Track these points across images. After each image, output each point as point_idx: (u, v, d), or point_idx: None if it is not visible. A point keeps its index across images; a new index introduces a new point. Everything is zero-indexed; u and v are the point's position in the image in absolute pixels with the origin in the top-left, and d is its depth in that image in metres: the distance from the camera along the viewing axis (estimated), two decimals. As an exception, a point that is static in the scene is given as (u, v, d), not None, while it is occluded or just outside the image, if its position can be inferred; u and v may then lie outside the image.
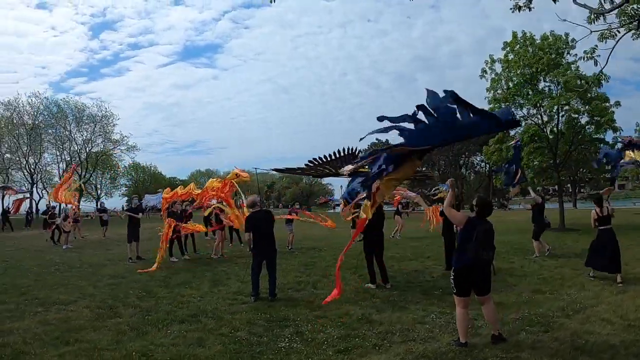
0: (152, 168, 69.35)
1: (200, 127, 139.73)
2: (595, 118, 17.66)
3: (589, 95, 17.69)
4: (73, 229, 20.00)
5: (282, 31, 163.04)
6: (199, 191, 12.41)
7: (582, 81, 17.66)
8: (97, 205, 33.82)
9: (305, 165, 7.65)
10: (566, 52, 18.11)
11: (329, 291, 7.24)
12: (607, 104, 18.11)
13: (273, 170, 11.64)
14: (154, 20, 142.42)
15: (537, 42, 18.06)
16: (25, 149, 43.41)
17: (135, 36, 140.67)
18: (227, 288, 8.11)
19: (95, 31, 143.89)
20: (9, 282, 9.36)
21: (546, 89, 18.48)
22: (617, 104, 18.73)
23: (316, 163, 7.64)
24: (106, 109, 49.60)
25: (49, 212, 18.25)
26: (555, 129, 18.52)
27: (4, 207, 31.00)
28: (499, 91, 18.62)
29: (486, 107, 19.05)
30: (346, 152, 7.84)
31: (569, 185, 42.70)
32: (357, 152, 7.98)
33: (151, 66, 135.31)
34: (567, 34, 18.18)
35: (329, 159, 7.66)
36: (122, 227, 15.52)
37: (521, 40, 18.23)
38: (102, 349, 5.03)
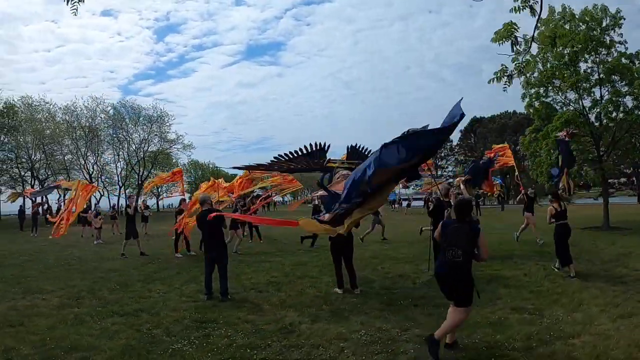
0: (212, 165, 71.86)
1: (266, 124, 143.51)
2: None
3: (631, 75, 15.48)
4: (111, 225, 21.17)
5: (342, 26, 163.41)
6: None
7: (628, 60, 15.61)
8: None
9: (271, 161, 7.41)
10: (612, 30, 15.98)
11: (291, 294, 7.35)
12: None
13: (234, 167, 11.36)
14: (217, 22, 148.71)
15: (578, 16, 16.04)
16: (84, 150, 46.40)
17: (200, 37, 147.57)
18: (198, 286, 7.95)
19: (160, 35, 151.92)
20: (17, 273, 10.07)
21: (588, 70, 16.39)
22: None
23: (284, 159, 7.34)
24: (161, 109, 52.09)
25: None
26: (599, 115, 16.32)
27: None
28: (535, 73, 16.75)
29: (520, 91, 17.59)
30: (316, 148, 7.46)
31: (634, 178, 38.64)
32: (327, 147, 7.55)
33: (216, 66, 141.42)
34: (618, 10, 16.02)
35: (297, 154, 7.37)
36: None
37: (558, 16, 16.32)
38: (32, 333, 5.42)
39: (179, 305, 6.72)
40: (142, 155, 50.77)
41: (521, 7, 4.58)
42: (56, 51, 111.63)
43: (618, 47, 16.13)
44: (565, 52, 16.02)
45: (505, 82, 5.11)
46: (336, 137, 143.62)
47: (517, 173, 14.06)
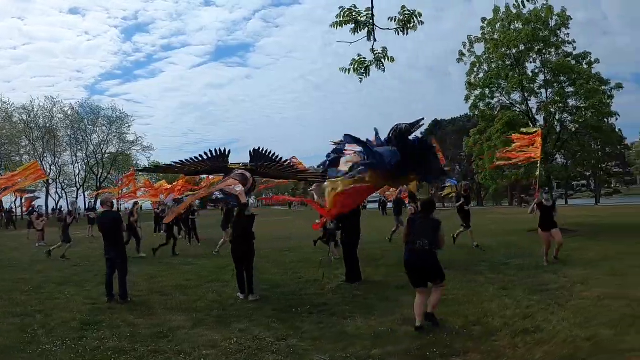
0: None
1: (235, 125, 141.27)
2: (586, 102, 15.37)
3: (575, 75, 15.43)
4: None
5: (312, 28, 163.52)
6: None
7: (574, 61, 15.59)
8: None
9: (179, 163, 7.94)
10: (559, 30, 15.91)
11: (192, 298, 7.23)
12: (603, 87, 15.77)
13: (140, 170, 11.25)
14: (186, 22, 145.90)
15: (526, 15, 15.76)
16: (41, 151, 44.61)
17: (168, 38, 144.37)
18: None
19: (127, 34, 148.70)
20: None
21: (536, 70, 16.23)
22: (619, 86, 16.19)
23: (190, 162, 7.87)
24: (120, 110, 50.67)
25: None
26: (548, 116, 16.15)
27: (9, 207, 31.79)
28: (481, 74, 16.54)
29: (463, 93, 17.35)
30: (217, 153, 7.90)
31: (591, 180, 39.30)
32: (228, 152, 7.95)
33: (184, 67, 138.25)
34: (563, 9, 15.91)
35: (201, 158, 7.86)
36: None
37: (503, 17, 16.19)
38: None
39: (78, 307, 6.70)
40: (100, 157, 49.24)
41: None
42: (23, 49, 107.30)
43: (566, 47, 16.07)
44: (511, 52, 15.83)
45: (362, 74, 4.41)
46: (306, 138, 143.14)
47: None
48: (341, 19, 3.99)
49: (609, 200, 47.21)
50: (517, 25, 16.07)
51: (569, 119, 16.16)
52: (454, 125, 63.77)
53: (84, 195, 50.45)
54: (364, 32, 4.03)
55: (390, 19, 3.98)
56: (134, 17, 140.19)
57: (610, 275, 7.63)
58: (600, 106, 15.39)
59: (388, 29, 3.93)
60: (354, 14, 3.88)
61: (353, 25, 3.91)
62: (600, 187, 46.88)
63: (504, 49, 15.61)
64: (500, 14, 16.17)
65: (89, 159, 49.59)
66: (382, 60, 4.06)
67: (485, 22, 16.31)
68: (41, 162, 44.51)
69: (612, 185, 53.25)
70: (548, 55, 16.20)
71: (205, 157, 7.71)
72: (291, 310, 6.25)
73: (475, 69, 16.42)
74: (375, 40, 3.98)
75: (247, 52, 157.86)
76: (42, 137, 44.03)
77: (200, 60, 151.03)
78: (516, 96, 16.54)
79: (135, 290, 7.53)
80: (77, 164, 50.02)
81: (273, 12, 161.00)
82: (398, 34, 3.93)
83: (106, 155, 50.24)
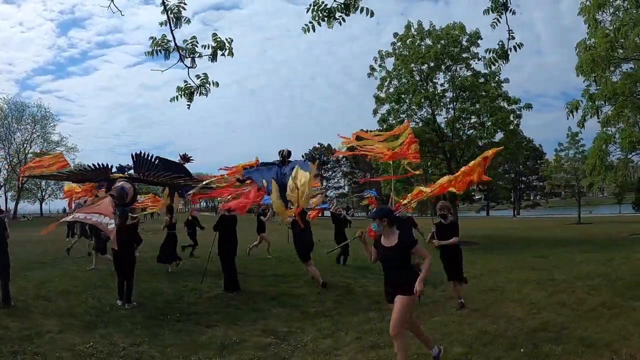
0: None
1: (167, 128, 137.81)
2: (489, 119, 16.37)
3: (481, 93, 16.35)
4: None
5: (251, 34, 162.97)
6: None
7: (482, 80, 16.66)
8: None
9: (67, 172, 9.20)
10: (469, 48, 16.81)
11: (72, 303, 7.23)
12: (512, 106, 16.85)
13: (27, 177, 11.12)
14: (123, 19, 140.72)
15: (438, 32, 16.64)
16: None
17: (104, 35, 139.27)
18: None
19: (63, 28, 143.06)
20: None
21: (445, 85, 17.01)
22: (528, 106, 17.06)
23: (76, 172, 9.13)
24: (46, 109, 48.40)
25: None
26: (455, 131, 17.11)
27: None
28: (391, 89, 17.30)
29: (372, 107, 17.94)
30: (100, 166, 8.18)
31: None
32: (110, 167, 8.30)
33: (120, 66, 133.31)
34: (476, 30, 16.71)
35: (87, 170, 8.50)
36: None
37: (414, 33, 16.90)
38: None
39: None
40: (23, 157, 46.43)
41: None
42: None
43: (475, 63, 16.96)
44: (420, 68, 16.70)
45: (188, 100, 4.27)
46: (236, 143, 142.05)
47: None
48: (154, 47, 4.12)
49: (528, 212, 50.28)
50: (427, 42, 16.84)
51: (476, 134, 17.23)
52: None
53: (5, 195, 47.34)
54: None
55: (204, 46, 4.06)
56: (71, 12, 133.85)
57: (488, 290, 7.95)
58: (503, 124, 16.58)
59: (201, 55, 4.10)
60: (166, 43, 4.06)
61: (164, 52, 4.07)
62: (519, 199, 49.85)
63: (412, 65, 16.47)
64: (413, 30, 16.94)
65: (11, 158, 46.56)
66: (206, 85, 4.24)
67: (397, 38, 17.10)
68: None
69: (532, 199, 56.95)
70: (459, 72, 17.08)
71: (89, 169, 8.17)
72: (159, 318, 6.40)
73: (386, 84, 17.12)
74: (195, 66, 4.15)
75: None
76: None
77: (136, 60, 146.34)
78: (424, 112, 17.45)
79: (22, 295, 7.60)
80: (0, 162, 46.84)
81: (213, 15, 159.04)
82: (211, 61, 4.14)
83: (29, 155, 47.42)
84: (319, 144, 70.75)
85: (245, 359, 4.84)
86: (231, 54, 4.06)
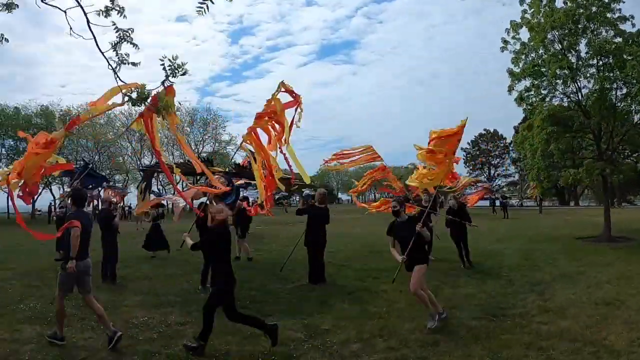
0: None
1: (342, 123, 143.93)
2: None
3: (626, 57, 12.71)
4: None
5: (415, 22, 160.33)
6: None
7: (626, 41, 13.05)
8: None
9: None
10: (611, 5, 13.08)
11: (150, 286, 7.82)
12: None
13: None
14: (290, 23, 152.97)
15: None
16: (139, 149, 49.80)
17: (273, 39, 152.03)
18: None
19: (234, 37, 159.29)
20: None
21: (588, 54, 13.83)
22: None
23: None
24: (214, 112, 54.69)
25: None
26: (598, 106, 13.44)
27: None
28: (525, 63, 14.39)
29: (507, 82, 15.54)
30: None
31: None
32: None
33: (291, 66, 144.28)
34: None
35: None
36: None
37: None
38: None
39: None
40: (197, 156, 53.64)
41: None
42: (134, 57, 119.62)
43: (621, 25, 13.46)
44: (555, 35, 13.88)
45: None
46: (410, 134, 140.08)
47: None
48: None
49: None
50: (560, 5, 13.88)
51: (626, 107, 13.72)
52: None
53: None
54: None
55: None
56: (239, 21, 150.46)
57: (603, 303, 6.31)
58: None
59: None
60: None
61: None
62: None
63: (548, 33, 13.77)
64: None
65: (183, 159, 54.41)
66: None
67: (526, 4, 14.50)
68: (139, 160, 50.18)
69: None
70: (600, 34, 13.73)
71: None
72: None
73: (523, 57, 14.72)
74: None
75: (352, 49, 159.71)
76: (141, 137, 49.41)
77: (305, 60, 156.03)
78: (566, 86, 14.42)
79: (132, 275, 8.74)
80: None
81: (375, 8, 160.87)
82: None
83: (203, 155, 54.61)
84: (484, 129, 66.38)
85: (259, 350, 4.77)
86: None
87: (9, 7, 4.34)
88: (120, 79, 3.83)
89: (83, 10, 3.81)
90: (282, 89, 6.17)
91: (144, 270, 9.75)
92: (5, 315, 5.89)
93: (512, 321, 5.59)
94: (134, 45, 4.05)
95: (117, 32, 3.95)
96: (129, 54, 3.91)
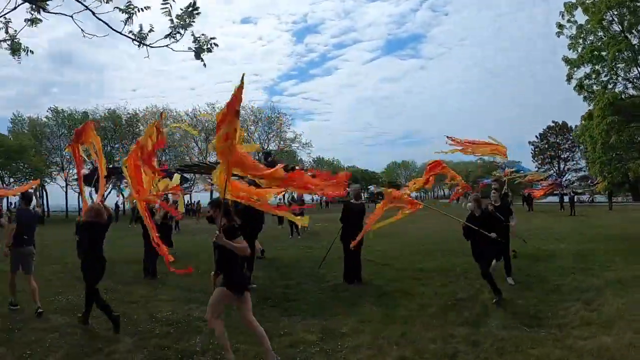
0: (335, 162, 75.08)
1: (411, 118, 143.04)
2: None
3: None
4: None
5: (481, 13, 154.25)
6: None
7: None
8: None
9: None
10: None
11: (188, 282, 7.92)
12: None
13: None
14: (354, 19, 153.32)
15: None
16: (200, 149, 51.91)
17: (338, 36, 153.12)
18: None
19: (299, 37, 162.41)
20: None
21: None
22: None
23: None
24: (277, 111, 55.59)
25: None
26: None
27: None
28: (581, 48, 13.33)
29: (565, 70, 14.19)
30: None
31: None
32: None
33: (358, 63, 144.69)
34: None
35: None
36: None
37: None
38: None
39: None
40: (261, 154, 54.84)
41: None
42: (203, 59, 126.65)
43: None
44: (614, 15, 12.41)
45: None
46: (481, 127, 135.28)
47: None
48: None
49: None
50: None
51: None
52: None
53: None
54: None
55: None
56: (304, 20, 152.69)
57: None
58: None
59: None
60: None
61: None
62: None
63: (605, 13, 12.38)
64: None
65: (252, 156, 56.00)
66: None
67: None
68: (205, 158, 52.33)
69: None
70: None
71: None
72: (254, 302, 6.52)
73: (581, 40, 13.42)
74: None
75: (418, 43, 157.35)
76: (206, 138, 51.59)
77: (372, 56, 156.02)
78: (628, 71, 12.96)
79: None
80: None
81: (440, 0, 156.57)
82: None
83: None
84: (553, 121, 62.62)
85: (262, 350, 4.58)
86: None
87: (34, 22, 4.63)
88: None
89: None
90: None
91: (191, 266, 9.91)
92: (42, 305, 6.32)
93: (546, 333, 5.09)
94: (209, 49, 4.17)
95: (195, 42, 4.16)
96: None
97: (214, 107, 52.69)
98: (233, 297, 4.32)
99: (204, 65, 4.33)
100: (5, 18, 4.64)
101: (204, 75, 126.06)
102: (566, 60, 13.68)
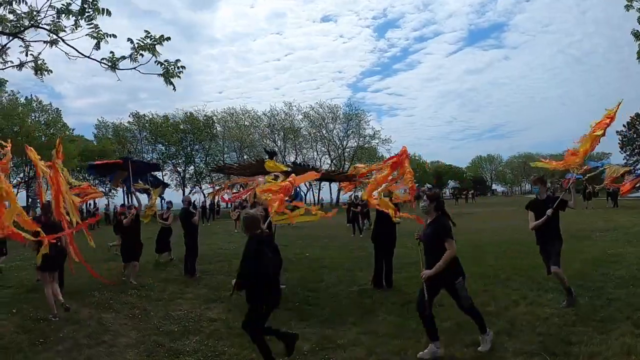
0: (417, 158, 73.24)
1: (497, 110, 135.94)
2: None
3: None
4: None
5: None
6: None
7: None
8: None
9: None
10: None
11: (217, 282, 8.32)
12: None
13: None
14: (434, 11, 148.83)
15: None
16: (283, 148, 53.36)
17: (419, 29, 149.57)
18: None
19: (380, 32, 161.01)
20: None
21: None
22: None
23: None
24: (356, 108, 55.82)
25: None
26: None
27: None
28: None
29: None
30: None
31: None
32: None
33: (440, 55, 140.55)
34: None
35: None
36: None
37: None
38: None
39: None
40: (341, 151, 55.22)
41: None
42: (285, 59, 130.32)
43: None
44: None
45: None
46: (569, 117, 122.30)
47: None
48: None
49: None
50: None
51: None
52: None
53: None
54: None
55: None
56: (383, 15, 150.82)
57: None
58: None
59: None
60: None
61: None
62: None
63: None
64: None
65: (330, 152, 56.68)
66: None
67: None
68: (283, 158, 53.68)
69: None
70: None
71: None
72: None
73: None
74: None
75: (501, 32, 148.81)
76: (284, 137, 53.28)
77: (455, 47, 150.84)
78: None
79: (212, 270, 9.54)
80: (324, 157, 56.49)
81: None
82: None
83: (347, 150, 56.16)
84: (636, 114, 54.72)
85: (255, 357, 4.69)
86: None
87: (21, 66, 5.16)
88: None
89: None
90: None
91: (234, 266, 9.73)
92: (77, 299, 6.99)
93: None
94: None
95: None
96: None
97: (290, 106, 54.15)
98: None
99: (174, 89, 4.42)
100: (25, 42, 5.17)
101: (286, 75, 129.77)
102: (635, 34, 11.51)
